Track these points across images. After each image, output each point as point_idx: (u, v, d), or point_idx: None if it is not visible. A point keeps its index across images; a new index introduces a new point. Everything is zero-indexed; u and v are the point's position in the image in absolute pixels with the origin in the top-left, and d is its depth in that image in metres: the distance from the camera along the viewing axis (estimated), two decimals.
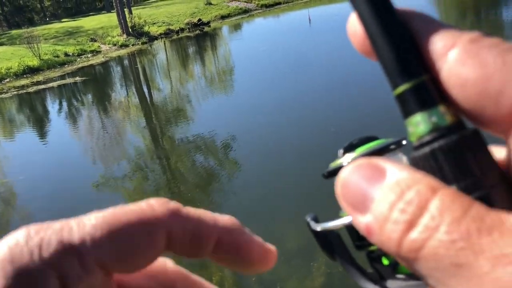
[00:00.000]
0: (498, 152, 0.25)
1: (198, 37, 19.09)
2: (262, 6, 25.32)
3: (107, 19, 24.75)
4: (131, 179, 5.80)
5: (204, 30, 20.55)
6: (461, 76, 0.22)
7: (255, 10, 24.97)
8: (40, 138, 8.50)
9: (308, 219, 0.31)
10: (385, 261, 0.29)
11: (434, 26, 0.24)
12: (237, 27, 20.45)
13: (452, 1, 16.65)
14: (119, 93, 11.61)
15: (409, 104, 0.24)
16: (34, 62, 15.54)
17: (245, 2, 26.08)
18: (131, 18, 20.94)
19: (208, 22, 22.04)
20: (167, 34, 20.29)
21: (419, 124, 0.24)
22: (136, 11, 24.57)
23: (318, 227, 0.31)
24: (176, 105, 9.25)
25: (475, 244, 0.18)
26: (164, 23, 21.87)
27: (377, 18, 0.24)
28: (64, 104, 11.22)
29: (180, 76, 12.51)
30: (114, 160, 6.59)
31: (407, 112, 0.24)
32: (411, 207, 0.20)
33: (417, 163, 0.23)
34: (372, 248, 0.29)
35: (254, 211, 4.24)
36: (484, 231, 0.18)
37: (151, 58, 16.41)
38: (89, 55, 17.14)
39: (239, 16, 23.45)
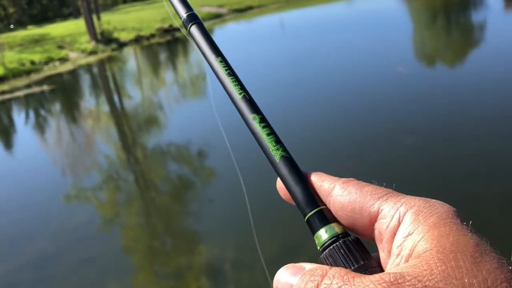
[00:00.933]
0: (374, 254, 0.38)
1: (170, 43, 18.93)
2: (234, 11, 25.30)
3: (75, 26, 24.29)
4: (103, 190, 5.67)
5: (175, 35, 20.36)
6: (340, 202, 0.39)
7: (227, 15, 24.92)
8: (6, 149, 8.21)
9: None
10: None
11: (323, 176, 0.41)
12: (209, 32, 20.35)
13: (422, 5, 16.95)
14: (89, 101, 11.36)
15: (314, 225, 0.39)
16: None
17: (217, 6, 26.00)
18: (99, 24, 20.58)
19: (180, 28, 21.84)
20: (137, 40, 20.01)
21: (321, 236, 0.38)
22: (105, 17, 24.18)
23: None
24: (148, 113, 9.10)
25: (352, 285, 0.30)
26: (134, 29, 21.58)
27: (289, 176, 0.42)
28: (32, 114, 10.91)
29: (151, 83, 12.35)
30: (85, 171, 6.43)
31: (313, 230, 0.39)
32: (317, 277, 0.33)
33: (323, 261, 0.37)
34: None
35: (230, 219, 4.18)
36: (356, 278, 0.31)
37: (121, 65, 16.16)
38: (57, 63, 16.72)
39: (211, 21, 23.34)
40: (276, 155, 0.43)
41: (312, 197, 0.40)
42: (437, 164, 4.43)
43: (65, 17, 37.93)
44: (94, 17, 20.88)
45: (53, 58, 17.00)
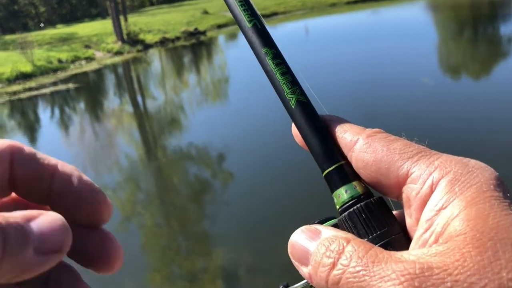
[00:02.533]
0: (399, 213, 0.35)
1: (194, 46, 19.07)
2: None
3: (102, 26, 24.69)
4: (122, 189, 5.73)
5: (200, 39, 20.52)
6: (363, 160, 0.34)
7: None
8: (31, 145, 8.33)
9: (280, 286, 0.38)
10: None
11: (345, 126, 0.36)
12: (233, 36, 20.47)
13: (449, 15, 16.74)
14: (112, 101, 11.51)
15: (333, 182, 0.35)
16: (27, 68, 15.41)
17: None
18: (126, 26, 20.88)
19: (205, 31, 22.03)
20: (162, 42, 20.23)
21: (340, 196, 0.34)
22: (131, 18, 24.53)
23: None
24: (170, 115, 9.18)
25: (370, 271, 0.27)
26: (159, 31, 21.82)
27: (306, 124, 0.37)
28: (56, 111, 11.10)
29: (175, 85, 12.45)
30: (106, 169, 6.50)
31: (332, 188, 0.35)
32: (333, 253, 0.29)
33: (341, 224, 0.34)
34: None
35: (247, 223, 4.17)
36: (377, 263, 0.27)
37: (146, 66, 16.34)
38: (83, 62, 17.02)
39: (236, 26, 23.39)
40: (292, 99, 0.38)
41: (332, 150, 0.36)
42: None
43: (93, 17, 38.61)
44: (121, 18, 21.20)
45: (80, 57, 17.32)
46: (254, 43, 0.41)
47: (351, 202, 0.34)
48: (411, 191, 0.32)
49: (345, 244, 0.30)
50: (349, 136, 0.35)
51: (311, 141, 0.37)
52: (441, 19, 16.57)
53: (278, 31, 20.51)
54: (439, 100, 6.75)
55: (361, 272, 0.27)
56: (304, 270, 0.32)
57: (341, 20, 20.04)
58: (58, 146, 8.09)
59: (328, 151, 0.36)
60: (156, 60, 17.60)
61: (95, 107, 10.99)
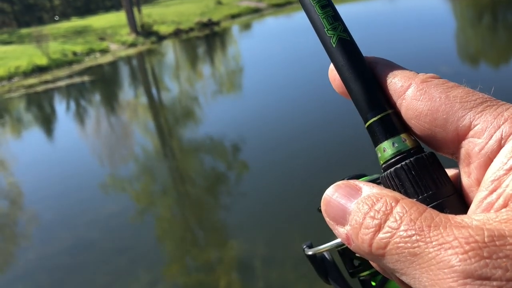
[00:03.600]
0: (452, 171, 0.31)
1: (208, 37, 19.03)
2: (273, 5, 25.21)
3: (116, 18, 24.77)
4: (138, 180, 5.75)
5: (214, 29, 20.46)
6: (416, 109, 0.29)
7: (266, 9, 24.87)
8: (48, 138, 8.45)
9: (304, 246, 0.36)
10: (373, 283, 0.37)
11: (394, 69, 0.31)
12: (247, 27, 20.37)
13: (468, 2, 16.41)
14: (127, 93, 11.56)
15: (377, 134, 0.30)
16: (43, 61, 15.54)
17: (255, 1, 25.98)
18: (140, 17, 20.90)
19: (218, 22, 21.94)
20: (176, 33, 20.22)
21: (385, 150, 0.30)
22: (145, 10, 24.57)
23: (310, 251, 0.36)
24: (185, 106, 9.18)
25: (426, 237, 0.22)
26: (173, 22, 21.81)
27: (348, 66, 0.31)
28: (72, 104, 11.19)
29: (189, 77, 12.44)
30: (122, 161, 6.53)
31: (376, 141, 0.31)
32: (379, 214, 0.25)
33: (385, 182, 0.30)
34: (363, 274, 0.37)
35: (262, 214, 4.15)
36: (433, 227, 0.23)
37: (160, 58, 16.36)
38: (98, 55, 17.10)
39: (250, 16, 23.33)
40: (333, 36, 0.32)
41: (378, 97, 0.31)
42: None
43: (107, 9, 38.76)
44: (135, 10, 21.24)
45: (94, 50, 17.40)
46: None
47: (398, 157, 0.29)
48: (473, 146, 0.27)
49: (393, 204, 0.25)
50: (399, 82, 0.31)
51: (353, 86, 0.32)
52: (459, 6, 16.25)
53: (293, 20, 20.35)
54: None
55: (414, 237, 0.23)
56: (340, 230, 0.27)
57: (357, 8, 19.77)
58: (75, 138, 8.16)
59: (373, 97, 0.31)
60: (170, 51, 17.61)
61: (110, 100, 11.05)
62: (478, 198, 0.26)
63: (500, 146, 0.26)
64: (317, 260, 0.39)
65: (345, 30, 0.33)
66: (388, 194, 0.26)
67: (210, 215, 4.59)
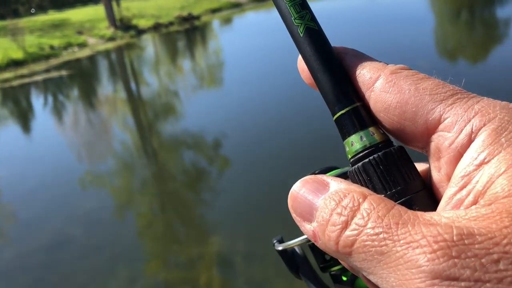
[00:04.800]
0: (422, 166, 0.30)
1: (188, 31, 18.90)
2: (254, 0, 25.14)
3: (94, 12, 24.39)
4: (118, 176, 5.69)
5: (194, 24, 20.32)
6: (385, 102, 0.28)
7: (246, 4, 24.78)
8: (24, 133, 8.29)
9: (274, 241, 0.35)
10: (344, 278, 0.36)
11: (363, 60, 0.30)
12: (228, 21, 20.28)
13: None
14: (106, 88, 11.41)
15: (345, 128, 0.30)
16: (19, 54, 15.21)
17: None
18: (119, 11, 20.62)
19: (199, 16, 21.79)
20: (156, 27, 20.01)
21: (353, 144, 0.29)
22: (124, 3, 24.24)
23: (280, 247, 0.36)
24: (165, 101, 9.10)
25: (394, 235, 0.22)
26: (153, 16, 21.58)
27: (316, 57, 0.30)
28: (50, 98, 11.00)
29: (169, 71, 12.34)
30: (101, 156, 6.45)
31: (344, 134, 0.30)
32: (346, 210, 0.24)
33: (353, 177, 0.29)
34: (334, 268, 0.36)
35: (243, 210, 4.15)
36: (401, 225, 0.22)
37: (139, 52, 16.19)
38: (76, 49, 16.81)
39: (230, 10, 23.24)
40: (300, 25, 0.31)
41: (346, 89, 0.30)
42: None
43: (85, 2, 38.12)
44: (114, 3, 20.94)
45: (72, 44, 17.10)
46: None
47: (366, 151, 0.28)
48: (443, 140, 0.26)
49: (361, 200, 0.24)
50: (368, 73, 0.29)
51: (321, 77, 0.30)
52: (437, 2, 16.46)
53: (274, 15, 20.34)
54: None
55: (381, 235, 0.22)
56: (307, 227, 0.27)
57: (337, 4, 19.86)
58: (52, 133, 8.02)
59: (341, 90, 0.30)
60: (150, 45, 17.43)
61: (88, 94, 10.89)
62: (448, 194, 0.25)
63: (470, 140, 0.25)
64: (287, 255, 0.38)
65: (313, 19, 0.32)
66: (355, 189, 0.25)
67: (191, 211, 4.56)
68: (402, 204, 0.25)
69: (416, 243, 0.21)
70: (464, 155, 0.25)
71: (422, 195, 0.27)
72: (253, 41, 13.07)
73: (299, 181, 0.28)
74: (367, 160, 0.28)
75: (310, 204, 0.26)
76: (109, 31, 18.78)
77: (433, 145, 0.27)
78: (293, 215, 0.28)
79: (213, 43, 15.89)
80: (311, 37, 0.31)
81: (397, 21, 12.44)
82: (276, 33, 13.92)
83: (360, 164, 0.28)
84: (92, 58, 15.36)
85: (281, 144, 5.31)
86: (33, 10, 35.73)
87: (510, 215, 0.21)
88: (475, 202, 0.23)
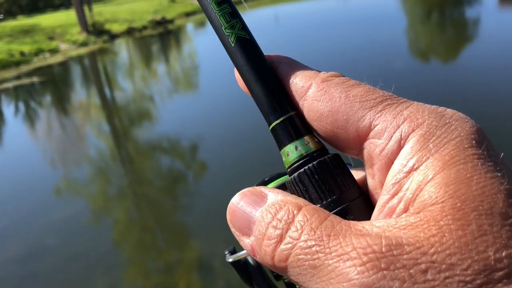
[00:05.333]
0: (360, 173, 0.30)
1: (162, 35, 18.78)
2: None
3: (66, 17, 24.02)
4: (93, 183, 5.61)
5: (168, 28, 20.21)
6: (317, 111, 0.28)
7: None
8: None
9: (226, 252, 0.34)
10: (297, 286, 0.36)
11: (296, 69, 0.30)
12: (202, 24, 20.23)
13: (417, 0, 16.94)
14: (79, 94, 11.23)
15: (280, 138, 0.30)
16: None
17: None
18: (91, 16, 20.36)
19: (172, 20, 21.67)
20: (129, 32, 19.82)
21: (289, 154, 0.29)
22: (96, 8, 23.94)
23: (231, 258, 0.35)
24: (139, 106, 9.02)
25: (325, 247, 0.22)
26: (126, 20, 21.36)
27: (248, 67, 0.30)
28: (21, 106, 10.77)
29: (143, 76, 12.24)
30: (75, 163, 6.35)
31: (280, 144, 0.30)
32: (281, 223, 0.24)
33: (291, 188, 0.29)
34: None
35: (221, 214, 4.11)
36: (333, 236, 0.22)
37: (112, 57, 16.01)
38: (47, 55, 16.51)
39: (204, 14, 23.16)
40: (231, 35, 0.31)
41: (280, 99, 0.30)
42: None
43: (55, 7, 37.53)
44: (86, 8, 20.66)
45: (43, 50, 16.79)
46: None
47: (302, 160, 0.29)
48: (374, 147, 0.26)
49: (295, 211, 0.24)
50: (300, 82, 0.29)
51: (255, 87, 0.30)
52: (408, 3, 16.77)
53: (248, 19, 20.37)
54: (411, 82, 6.83)
55: (314, 248, 0.22)
56: (245, 241, 0.26)
57: (311, 6, 20.03)
58: (25, 141, 7.85)
59: (275, 99, 0.30)
60: (123, 50, 17.26)
61: (61, 101, 10.71)
62: (380, 202, 0.25)
63: (400, 147, 0.25)
64: (240, 266, 0.38)
65: (244, 27, 0.31)
66: (291, 201, 0.25)
67: (168, 216, 4.53)
68: (337, 213, 0.25)
69: (346, 256, 0.21)
70: (395, 162, 0.25)
71: (358, 203, 0.27)
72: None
73: (237, 193, 0.28)
74: (302, 170, 0.28)
75: (248, 218, 0.26)
76: (82, 36, 18.52)
77: (365, 152, 0.27)
78: (232, 230, 0.27)
79: (188, 47, 15.83)
80: (243, 46, 0.31)
81: (371, 22, 12.61)
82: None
83: (296, 174, 0.28)
84: (64, 64, 15.12)
85: (257, 146, 5.32)
86: (1, 16, 34.98)
87: (437, 224, 0.21)
88: (406, 209, 0.23)
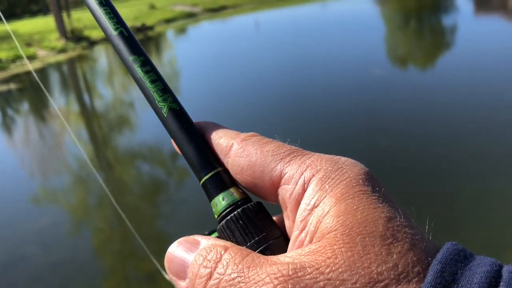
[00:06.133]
0: (280, 217, 0.34)
1: (142, 42, 18.56)
2: (208, 10, 25.14)
3: (44, 23, 23.71)
4: (73, 192, 5.54)
5: (148, 34, 20.11)
6: (239, 165, 0.33)
7: (200, 14, 24.75)
8: None
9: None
10: None
11: (220, 132, 0.36)
12: (182, 31, 20.18)
13: (395, 7, 17.20)
14: (58, 101, 11.08)
15: (210, 191, 0.34)
16: None
17: (190, 5, 25.80)
18: (70, 22, 20.13)
19: (152, 27, 21.57)
20: None
21: (217, 204, 0.34)
22: (75, 14, 23.69)
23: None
24: (119, 113, 8.94)
25: (246, 277, 0.26)
26: None
27: (180, 132, 0.35)
28: None
29: (123, 83, 12.14)
30: (54, 172, 6.26)
31: (209, 197, 0.35)
32: (210, 262, 0.28)
33: (221, 234, 0.33)
34: None
35: (203, 221, 4.12)
36: (252, 268, 0.26)
37: (92, 64, 15.85)
38: (25, 61, 16.26)
39: (185, 20, 23.14)
40: (164, 107, 0.36)
41: (207, 158, 0.35)
42: (411, 163, 4.48)
43: (33, 13, 37.03)
44: (64, 14, 20.43)
45: (21, 56, 16.53)
46: (121, 51, 0.37)
47: (228, 209, 0.33)
48: (285, 192, 0.31)
49: (222, 252, 0.28)
50: (224, 142, 0.35)
51: (186, 149, 0.35)
52: (387, 10, 17.01)
53: (228, 26, 20.42)
54: (386, 89, 6.91)
55: (237, 279, 0.26)
56: (181, 285, 0.30)
57: (290, 14, 20.17)
58: (2, 149, 7.70)
59: (204, 159, 0.35)
60: (103, 57, 17.10)
61: (40, 108, 10.54)
62: (293, 238, 0.30)
63: (304, 189, 0.30)
64: None
65: (175, 100, 0.36)
66: (220, 244, 0.29)
67: (150, 224, 4.49)
68: (260, 251, 0.29)
69: (262, 282, 0.25)
70: (301, 202, 0.30)
71: (278, 241, 0.31)
72: (208, 50, 13.06)
73: (174, 242, 0.32)
74: (229, 217, 0.32)
75: (183, 263, 0.30)
76: (60, 43, 18.29)
77: (280, 197, 0.32)
78: (170, 276, 0.31)
79: (168, 53, 15.77)
80: (174, 116, 0.36)
81: (350, 29, 12.75)
82: (231, 41, 13.97)
83: (223, 221, 0.32)
84: (42, 71, 14.90)
85: None
86: None
87: (332, 248, 0.25)
88: (311, 240, 0.28)
